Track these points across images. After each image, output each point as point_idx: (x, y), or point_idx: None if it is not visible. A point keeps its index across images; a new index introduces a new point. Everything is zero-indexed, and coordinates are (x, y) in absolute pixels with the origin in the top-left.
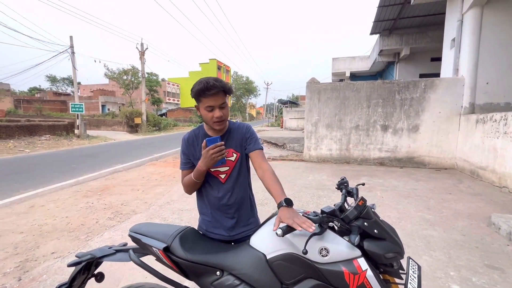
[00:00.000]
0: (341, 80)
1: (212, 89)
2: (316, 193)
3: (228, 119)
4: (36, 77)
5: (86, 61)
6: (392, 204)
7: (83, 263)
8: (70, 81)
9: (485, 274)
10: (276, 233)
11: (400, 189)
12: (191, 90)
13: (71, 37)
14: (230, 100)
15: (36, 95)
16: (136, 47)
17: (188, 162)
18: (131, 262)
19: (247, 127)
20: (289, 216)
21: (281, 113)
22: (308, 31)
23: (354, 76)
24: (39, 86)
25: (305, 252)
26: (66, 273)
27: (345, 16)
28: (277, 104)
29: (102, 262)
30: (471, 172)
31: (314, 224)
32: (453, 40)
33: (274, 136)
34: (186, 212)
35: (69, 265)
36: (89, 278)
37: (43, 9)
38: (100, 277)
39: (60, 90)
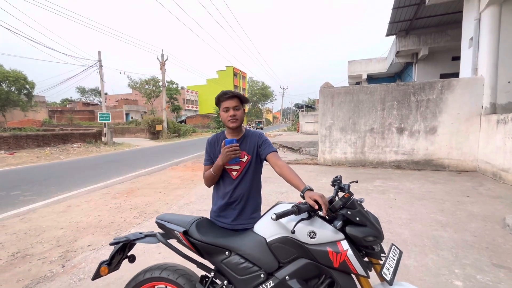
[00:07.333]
0: (358, 83)
1: (227, 94)
2: (328, 195)
3: (244, 125)
4: (68, 89)
5: (112, 73)
6: (405, 206)
7: (121, 243)
8: (97, 91)
9: (490, 272)
10: (271, 218)
11: (415, 191)
12: (215, 99)
13: (99, 52)
14: (246, 107)
15: (67, 106)
16: (157, 58)
17: (210, 159)
18: (153, 250)
19: (260, 135)
20: (317, 194)
21: (298, 118)
22: (324, 34)
23: (371, 78)
24: (71, 97)
25: (293, 232)
26: None
27: (363, 18)
28: (294, 108)
29: (135, 244)
30: (494, 174)
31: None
32: (471, 39)
33: (290, 141)
34: (203, 212)
35: (111, 244)
36: (124, 258)
37: (76, 28)
38: (132, 258)
39: (88, 101)
